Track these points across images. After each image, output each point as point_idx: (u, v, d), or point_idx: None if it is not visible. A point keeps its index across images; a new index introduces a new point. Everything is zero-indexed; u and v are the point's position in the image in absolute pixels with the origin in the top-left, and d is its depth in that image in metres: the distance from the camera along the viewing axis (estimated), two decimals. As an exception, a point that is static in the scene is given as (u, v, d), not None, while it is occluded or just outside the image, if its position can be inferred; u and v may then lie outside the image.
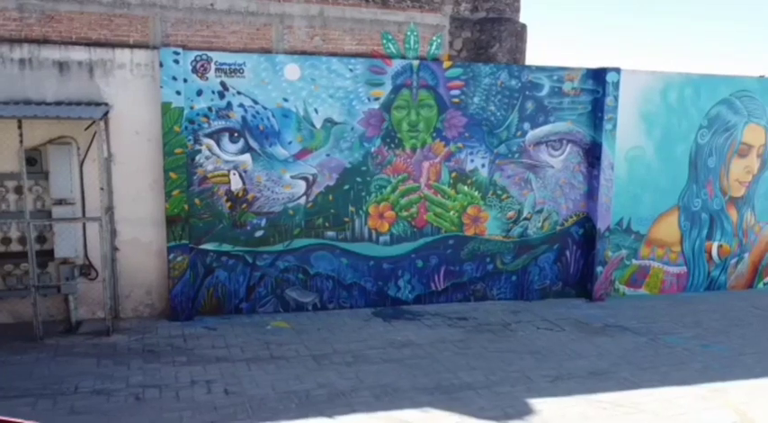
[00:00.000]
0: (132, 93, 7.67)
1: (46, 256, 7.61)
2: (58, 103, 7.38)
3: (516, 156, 9.41)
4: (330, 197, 8.65)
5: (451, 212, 9.22)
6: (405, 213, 9.01)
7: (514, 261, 9.64)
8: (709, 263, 10.77)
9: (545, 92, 9.38)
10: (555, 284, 9.93)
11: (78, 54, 7.43)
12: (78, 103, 7.45)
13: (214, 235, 8.25)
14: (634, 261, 10.30)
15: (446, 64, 8.89)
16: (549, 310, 9.33)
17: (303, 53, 8.43)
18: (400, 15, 8.77)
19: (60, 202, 7.52)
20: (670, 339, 8.26)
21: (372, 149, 8.74)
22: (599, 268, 9.84)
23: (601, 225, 9.75)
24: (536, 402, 6.23)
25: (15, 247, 7.54)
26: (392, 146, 8.82)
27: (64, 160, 7.44)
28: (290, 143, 8.39)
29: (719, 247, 10.77)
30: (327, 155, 8.56)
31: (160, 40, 7.83)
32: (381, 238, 8.97)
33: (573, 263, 9.97)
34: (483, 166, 9.27)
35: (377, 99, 8.65)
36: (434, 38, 9.01)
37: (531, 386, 6.63)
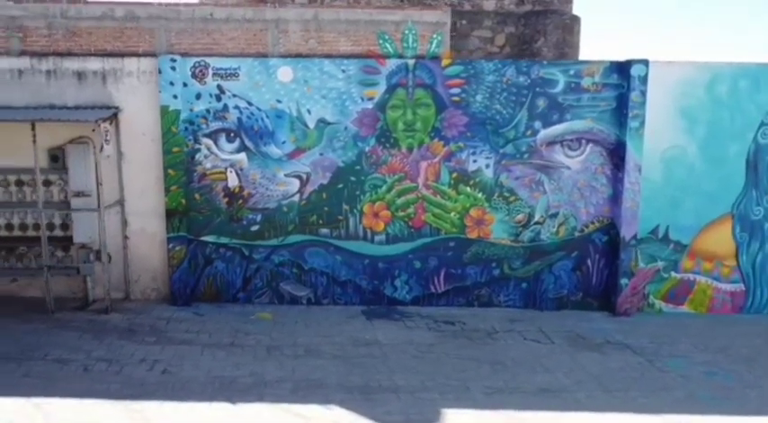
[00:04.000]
0: (139, 98, 8.50)
1: (68, 241, 8.72)
2: (77, 108, 8.43)
3: (526, 156, 8.90)
4: (324, 195, 8.86)
5: (452, 214, 8.97)
6: (401, 213, 8.94)
7: (524, 267, 9.12)
8: (775, 281, 9.30)
9: (559, 88, 8.76)
10: (574, 295, 9.22)
11: (93, 64, 8.41)
12: (93, 108, 8.44)
13: (213, 228, 8.85)
14: (673, 274, 9.22)
15: (444, 62, 8.67)
16: (555, 321, 8.71)
17: (298, 56, 8.72)
18: (397, 14, 8.74)
19: (78, 194, 8.55)
20: (672, 362, 7.36)
21: (366, 149, 8.80)
22: (623, 280, 8.97)
23: (625, 232, 8.88)
24: (451, 413, 5.96)
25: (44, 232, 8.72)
26: (387, 145, 8.80)
27: (81, 157, 8.46)
28: (283, 143, 8.74)
29: (790, 263, 9.25)
30: (321, 154, 8.78)
31: (165, 49, 8.58)
32: (377, 238, 8.98)
33: (595, 273, 9.19)
34: (487, 166, 8.89)
35: (371, 99, 8.68)
36: (434, 36, 8.82)
37: (462, 396, 6.33)
